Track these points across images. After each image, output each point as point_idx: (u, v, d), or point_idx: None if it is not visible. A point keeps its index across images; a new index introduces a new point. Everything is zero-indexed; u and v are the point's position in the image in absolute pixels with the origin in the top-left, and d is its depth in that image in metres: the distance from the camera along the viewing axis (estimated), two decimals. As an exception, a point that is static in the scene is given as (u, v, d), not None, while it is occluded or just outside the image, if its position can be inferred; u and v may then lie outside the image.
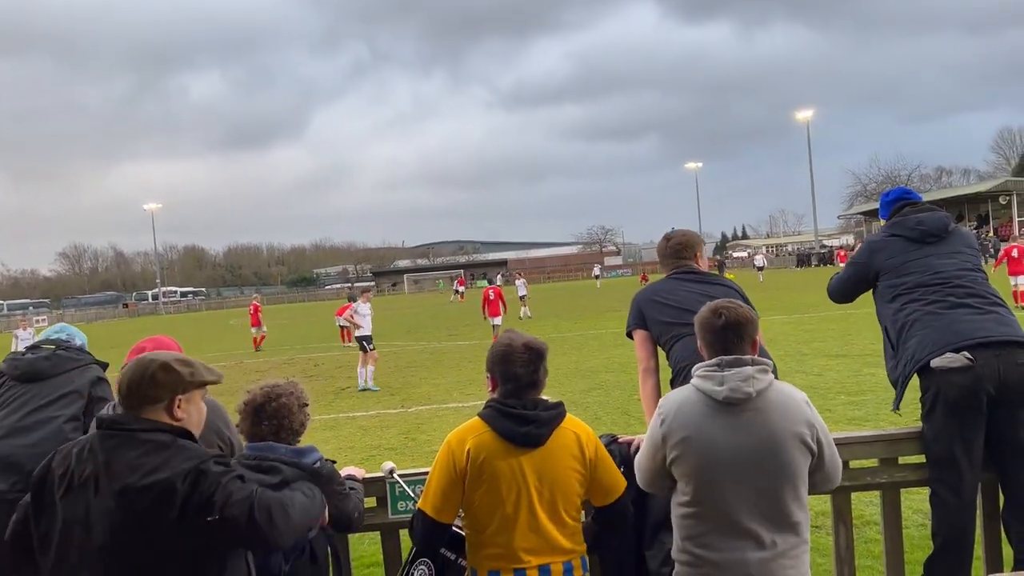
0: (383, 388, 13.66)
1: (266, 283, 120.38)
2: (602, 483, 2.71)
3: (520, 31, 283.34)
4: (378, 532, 3.43)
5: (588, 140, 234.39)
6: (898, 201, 3.85)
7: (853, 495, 3.59)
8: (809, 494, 2.59)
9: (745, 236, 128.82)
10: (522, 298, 30.05)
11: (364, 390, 13.57)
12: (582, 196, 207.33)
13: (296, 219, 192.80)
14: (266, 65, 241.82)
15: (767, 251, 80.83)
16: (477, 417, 2.67)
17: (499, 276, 43.87)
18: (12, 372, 3.69)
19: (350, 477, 3.05)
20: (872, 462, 3.54)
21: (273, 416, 2.70)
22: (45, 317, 56.64)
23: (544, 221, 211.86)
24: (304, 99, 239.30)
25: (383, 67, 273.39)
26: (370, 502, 3.22)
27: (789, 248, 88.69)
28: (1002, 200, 54.40)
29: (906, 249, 3.64)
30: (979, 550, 3.51)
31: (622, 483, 2.75)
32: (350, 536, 3.26)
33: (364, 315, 14.64)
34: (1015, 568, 3.28)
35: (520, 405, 2.61)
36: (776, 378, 2.64)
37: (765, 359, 2.62)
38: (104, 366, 3.86)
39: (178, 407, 2.30)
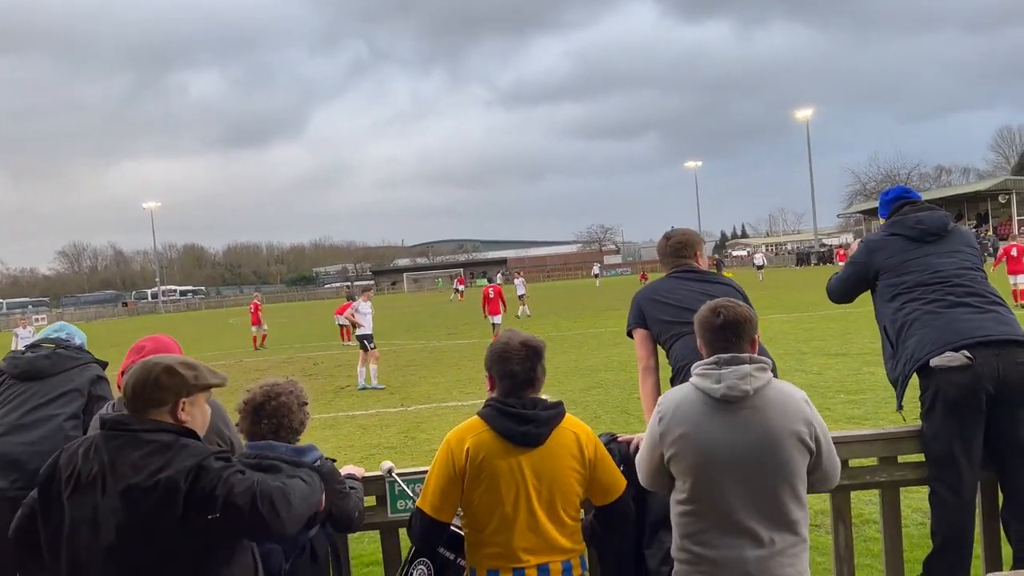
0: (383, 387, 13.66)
1: (266, 282, 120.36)
2: (602, 483, 2.71)
3: (520, 30, 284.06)
4: (377, 531, 3.43)
5: (587, 139, 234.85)
6: (897, 200, 3.85)
7: (852, 494, 3.59)
8: (808, 493, 2.59)
9: (745, 235, 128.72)
10: (521, 297, 30.01)
11: (364, 389, 13.56)
12: (582, 195, 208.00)
13: (296, 218, 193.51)
14: (265, 64, 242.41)
15: (767, 250, 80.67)
16: (476, 416, 2.67)
17: (499, 275, 43.95)
18: (12, 370, 3.70)
19: (350, 476, 3.06)
20: (871, 461, 3.54)
21: (273, 415, 2.71)
22: (44, 316, 56.57)
23: (544, 220, 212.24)
24: (304, 98, 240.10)
25: (383, 66, 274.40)
26: (370, 501, 3.23)
27: (788, 247, 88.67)
28: (1001, 199, 54.43)
29: (905, 248, 3.64)
30: (978, 549, 3.51)
31: (622, 482, 2.75)
32: (350, 535, 3.26)
33: (365, 314, 14.64)
34: (1014, 567, 3.28)
35: (520, 404, 2.60)
36: (776, 377, 2.65)
37: (763, 357, 2.62)
38: (103, 365, 3.87)
39: (182, 410, 2.31)
